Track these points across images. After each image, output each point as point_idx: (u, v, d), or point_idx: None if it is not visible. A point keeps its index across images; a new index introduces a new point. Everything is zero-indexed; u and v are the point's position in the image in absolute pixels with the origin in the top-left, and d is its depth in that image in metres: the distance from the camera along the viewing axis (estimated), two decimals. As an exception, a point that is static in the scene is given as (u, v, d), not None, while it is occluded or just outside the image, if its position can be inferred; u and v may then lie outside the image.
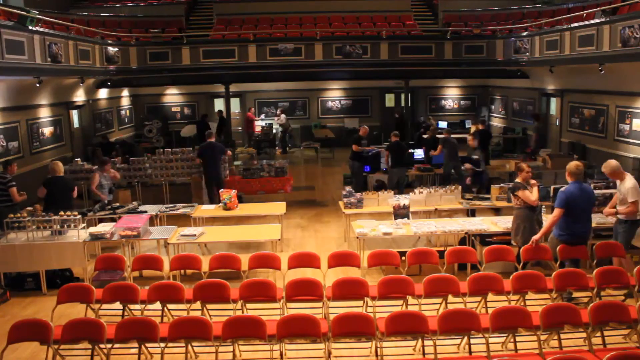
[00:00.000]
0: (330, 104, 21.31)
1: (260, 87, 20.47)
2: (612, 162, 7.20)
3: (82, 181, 11.43)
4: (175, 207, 9.71)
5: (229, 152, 12.32)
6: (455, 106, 21.68)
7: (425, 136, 14.95)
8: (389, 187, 11.30)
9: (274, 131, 19.55)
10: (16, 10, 10.60)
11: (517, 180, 7.47)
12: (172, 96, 21.06)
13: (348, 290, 5.97)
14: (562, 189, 6.81)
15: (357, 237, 8.03)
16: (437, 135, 13.99)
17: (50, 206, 8.37)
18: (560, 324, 5.23)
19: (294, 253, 6.96)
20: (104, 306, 6.18)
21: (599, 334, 5.48)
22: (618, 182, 7.17)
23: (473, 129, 16.51)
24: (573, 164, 6.84)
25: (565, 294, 6.52)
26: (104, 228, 7.96)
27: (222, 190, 9.95)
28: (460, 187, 9.78)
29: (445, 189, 9.62)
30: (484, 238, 8.20)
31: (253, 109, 20.45)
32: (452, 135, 13.03)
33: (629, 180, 6.99)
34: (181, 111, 21.12)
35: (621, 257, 6.96)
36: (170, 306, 6.40)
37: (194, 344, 5.65)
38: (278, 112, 19.94)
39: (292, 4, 19.01)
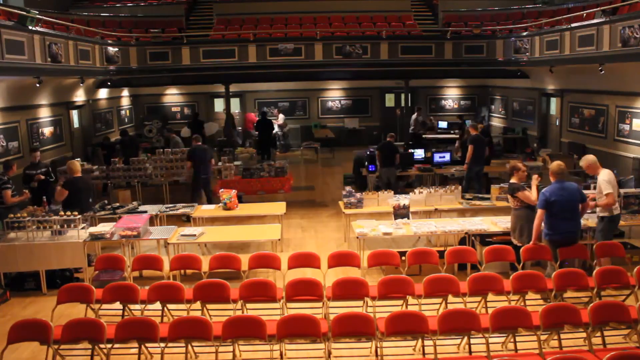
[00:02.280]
0: (330, 104, 21.32)
1: (260, 87, 20.48)
2: (590, 157, 7.39)
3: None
4: (175, 207, 9.71)
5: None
6: (455, 106, 21.68)
7: (457, 136, 14.69)
8: (381, 187, 11.27)
9: (274, 131, 19.54)
10: (16, 10, 10.60)
11: (513, 180, 7.43)
12: (172, 96, 21.06)
13: (348, 290, 5.97)
14: (543, 190, 6.86)
15: (357, 237, 8.03)
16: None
17: (72, 207, 8.23)
18: (560, 324, 5.23)
19: (294, 253, 6.96)
20: (104, 306, 6.18)
21: (599, 334, 5.48)
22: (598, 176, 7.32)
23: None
24: (555, 164, 6.91)
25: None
26: (104, 228, 7.96)
27: (222, 190, 9.95)
28: (460, 187, 9.78)
29: (445, 188, 9.62)
30: (484, 238, 8.20)
31: (255, 112, 20.37)
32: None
33: (603, 173, 7.16)
34: (181, 111, 21.12)
35: (601, 258, 7.02)
36: (170, 306, 6.40)
37: (194, 344, 5.65)
38: (275, 112, 19.95)
39: (292, 4, 19.01)
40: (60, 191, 8.64)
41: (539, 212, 6.76)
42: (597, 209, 7.27)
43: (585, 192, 7.24)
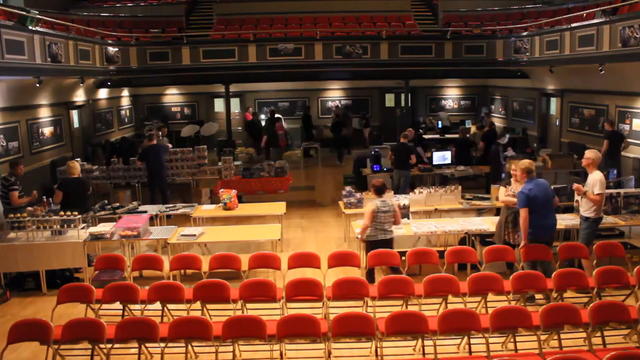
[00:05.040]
0: (330, 104, 21.30)
1: (260, 87, 20.47)
2: (599, 153, 7.40)
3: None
4: (175, 207, 9.71)
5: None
6: (455, 106, 21.68)
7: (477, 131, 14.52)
8: (392, 188, 11.20)
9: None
10: (16, 10, 10.60)
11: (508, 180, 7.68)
12: (172, 96, 21.05)
13: (348, 290, 5.97)
14: (521, 189, 6.88)
15: (357, 237, 8.04)
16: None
17: (67, 208, 8.22)
18: (560, 324, 5.23)
19: (294, 253, 6.96)
20: (104, 306, 6.18)
21: (599, 334, 5.48)
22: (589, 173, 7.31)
23: (473, 129, 16.52)
24: (526, 161, 7.01)
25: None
26: (104, 228, 7.96)
27: (222, 190, 9.94)
28: (460, 188, 9.78)
29: (445, 189, 9.62)
30: (484, 238, 8.20)
31: (251, 108, 20.40)
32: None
33: (598, 173, 7.16)
34: (181, 111, 21.11)
35: (584, 258, 7.06)
36: (170, 306, 6.40)
37: (194, 344, 5.65)
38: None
39: (292, 4, 19.00)
40: (57, 193, 8.62)
41: (523, 211, 6.74)
42: (582, 209, 7.27)
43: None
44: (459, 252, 7.08)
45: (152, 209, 9.49)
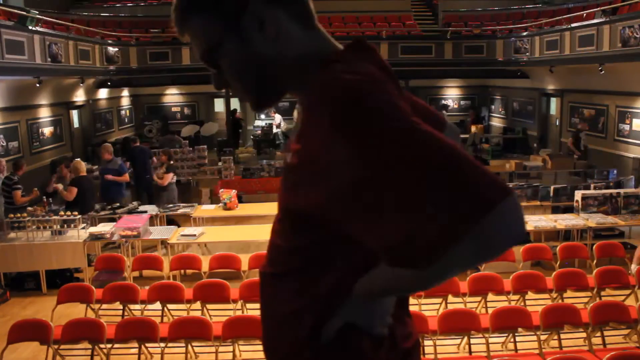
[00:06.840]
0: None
1: (260, 87, 20.41)
2: None
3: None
4: (175, 207, 9.70)
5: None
6: (455, 106, 21.66)
7: None
8: None
9: (274, 131, 19.55)
10: (16, 10, 10.61)
11: None
12: (172, 96, 21.04)
13: (348, 290, 5.96)
14: None
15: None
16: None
17: (77, 206, 8.30)
18: (560, 324, 5.23)
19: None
20: (104, 306, 6.18)
21: (599, 334, 5.48)
22: None
23: (474, 129, 16.55)
24: None
25: None
26: (104, 228, 7.95)
27: (222, 190, 9.94)
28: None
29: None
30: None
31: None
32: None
33: None
34: (181, 111, 21.11)
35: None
36: (170, 306, 6.40)
37: (194, 344, 5.65)
38: (272, 113, 19.90)
39: (292, 4, 18.98)
40: (70, 189, 8.66)
41: None
42: None
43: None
44: (459, 252, 7.06)
45: (152, 209, 9.48)
